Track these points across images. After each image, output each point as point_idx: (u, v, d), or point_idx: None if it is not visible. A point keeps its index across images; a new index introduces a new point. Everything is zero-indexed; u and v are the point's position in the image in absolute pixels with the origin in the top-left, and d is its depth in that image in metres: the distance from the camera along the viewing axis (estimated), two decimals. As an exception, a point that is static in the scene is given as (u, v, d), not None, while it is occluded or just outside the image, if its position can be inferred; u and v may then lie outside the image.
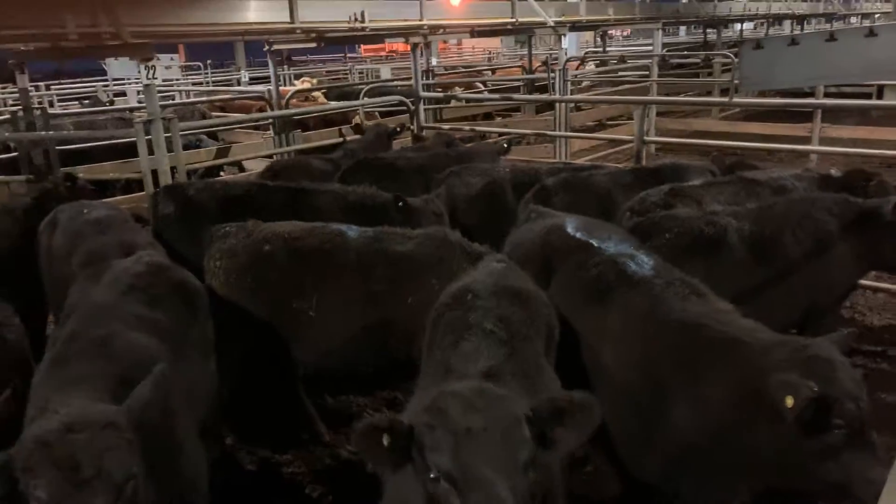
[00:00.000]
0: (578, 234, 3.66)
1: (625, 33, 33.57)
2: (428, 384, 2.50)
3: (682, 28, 30.64)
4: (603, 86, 15.16)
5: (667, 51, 19.08)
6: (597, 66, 17.36)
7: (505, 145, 7.93)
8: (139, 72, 6.44)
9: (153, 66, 6.40)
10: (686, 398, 2.66)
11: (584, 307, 3.24)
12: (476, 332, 2.64)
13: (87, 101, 15.51)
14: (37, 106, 9.13)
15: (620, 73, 15.96)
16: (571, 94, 11.41)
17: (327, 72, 23.75)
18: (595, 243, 3.53)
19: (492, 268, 3.28)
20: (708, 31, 22.01)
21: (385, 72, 16.89)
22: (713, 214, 4.09)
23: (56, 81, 19.21)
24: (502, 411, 1.95)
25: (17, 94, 9.49)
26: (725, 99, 8.72)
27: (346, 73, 21.91)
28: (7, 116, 8.35)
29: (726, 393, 2.56)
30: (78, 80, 19.97)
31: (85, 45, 6.73)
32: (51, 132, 8.02)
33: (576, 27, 13.18)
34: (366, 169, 6.41)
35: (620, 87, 14.05)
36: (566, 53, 10.80)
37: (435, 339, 2.79)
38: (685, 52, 20.16)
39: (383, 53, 29.72)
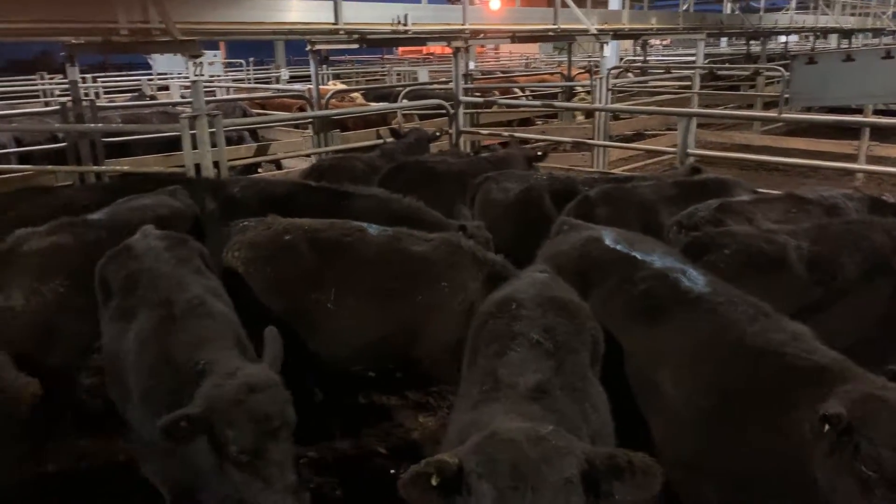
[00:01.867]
0: (619, 247, 3.54)
1: (665, 43, 33.19)
2: (472, 392, 2.49)
3: (724, 39, 30.18)
4: (642, 96, 14.96)
5: (710, 62, 18.78)
6: (636, 75, 17.17)
7: (539, 153, 7.92)
8: (186, 68, 6.55)
9: (200, 62, 6.50)
10: (771, 428, 2.56)
11: (633, 324, 3.15)
12: (522, 342, 2.62)
13: (134, 94, 15.83)
14: (85, 98, 9.35)
15: (662, 84, 15.75)
16: (612, 103, 11.29)
17: (365, 73, 23.89)
18: (639, 257, 3.42)
19: (535, 278, 3.24)
20: (751, 42, 21.64)
21: (423, 74, 16.92)
22: (771, 232, 3.98)
23: (102, 73, 19.65)
24: (555, 470, 1.87)
25: (65, 85, 9.70)
26: (773, 113, 8.52)
27: (384, 75, 22.00)
28: (56, 107, 8.57)
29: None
30: (123, 73, 20.41)
31: (135, 40, 6.88)
32: (99, 125, 8.20)
33: (618, 35, 13.05)
34: (405, 172, 6.42)
35: (660, 98, 13.86)
36: (608, 62, 10.69)
37: (478, 346, 2.77)
38: (728, 65, 19.80)
39: (420, 56, 29.86)
